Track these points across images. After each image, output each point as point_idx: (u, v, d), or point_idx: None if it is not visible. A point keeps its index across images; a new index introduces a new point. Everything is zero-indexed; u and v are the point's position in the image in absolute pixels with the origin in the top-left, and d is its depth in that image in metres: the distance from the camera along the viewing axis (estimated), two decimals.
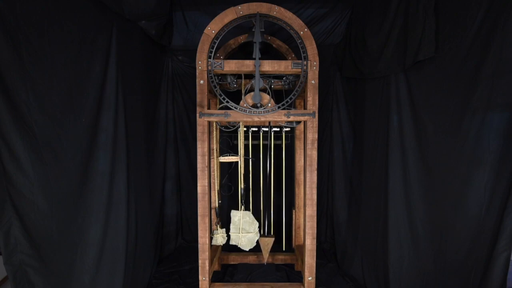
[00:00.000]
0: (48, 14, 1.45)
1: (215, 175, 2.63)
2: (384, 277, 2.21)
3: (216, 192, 2.62)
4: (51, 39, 1.47)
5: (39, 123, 1.41)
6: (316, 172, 2.12)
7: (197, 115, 2.06)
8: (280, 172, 2.66)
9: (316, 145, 2.11)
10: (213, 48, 2.06)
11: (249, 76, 2.32)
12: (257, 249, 2.53)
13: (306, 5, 2.88)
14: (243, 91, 2.25)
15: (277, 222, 2.74)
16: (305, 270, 2.19)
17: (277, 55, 2.61)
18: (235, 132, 2.50)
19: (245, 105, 2.11)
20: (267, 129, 2.51)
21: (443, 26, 1.72)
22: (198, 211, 2.13)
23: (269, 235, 2.54)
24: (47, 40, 1.45)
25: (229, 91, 2.46)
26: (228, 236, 2.48)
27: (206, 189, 2.12)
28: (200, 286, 2.19)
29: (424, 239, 1.93)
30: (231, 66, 2.08)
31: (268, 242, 2.51)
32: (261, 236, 2.51)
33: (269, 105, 2.12)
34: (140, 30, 2.40)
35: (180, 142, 3.33)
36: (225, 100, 2.07)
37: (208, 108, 2.09)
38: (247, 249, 2.46)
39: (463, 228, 1.68)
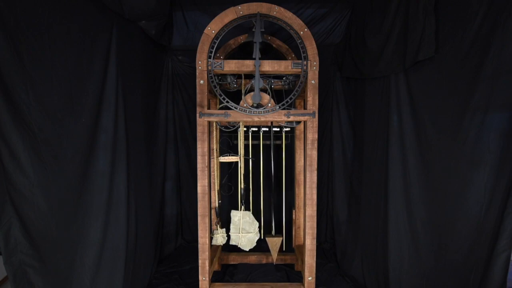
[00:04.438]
0: (48, 14, 1.45)
1: (215, 175, 2.63)
2: (384, 277, 2.21)
3: (216, 192, 2.62)
4: (51, 39, 1.47)
5: (39, 123, 1.42)
6: (316, 172, 2.12)
7: (197, 115, 2.06)
8: (280, 172, 2.66)
9: (316, 145, 2.11)
10: (213, 48, 2.06)
11: (249, 76, 2.32)
12: (257, 249, 2.53)
13: (306, 5, 2.88)
14: (243, 91, 2.24)
15: (277, 222, 2.73)
16: (305, 270, 2.19)
17: (277, 55, 2.61)
18: (235, 132, 2.50)
19: (245, 105, 2.11)
20: (267, 129, 2.51)
21: (443, 26, 1.72)
22: (198, 211, 2.13)
23: (277, 234, 2.54)
24: (47, 40, 1.45)
25: (229, 91, 2.46)
26: (228, 236, 2.48)
27: (206, 189, 2.12)
28: (200, 286, 2.19)
29: (424, 239, 1.93)
30: (231, 66, 2.08)
31: (276, 242, 2.51)
32: (268, 236, 2.51)
33: (269, 105, 2.12)
34: (140, 30, 2.40)
35: (180, 142, 3.33)
36: (225, 100, 2.07)
37: (208, 108, 2.09)
38: (247, 249, 2.47)
39: (463, 228, 1.68)
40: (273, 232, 2.60)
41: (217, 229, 2.51)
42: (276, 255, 2.54)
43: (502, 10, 1.42)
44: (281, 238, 2.52)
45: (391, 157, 2.11)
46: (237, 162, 2.46)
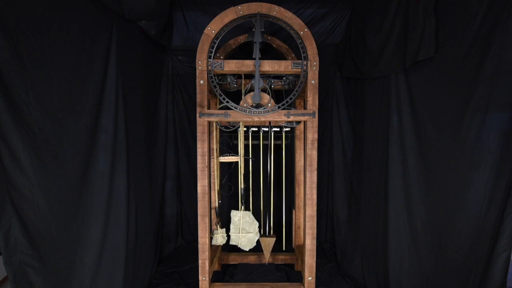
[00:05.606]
0: (48, 14, 1.45)
1: (215, 175, 2.63)
2: (384, 277, 2.21)
3: (216, 192, 2.62)
4: (51, 39, 1.47)
5: (39, 123, 1.42)
6: (316, 172, 2.12)
7: (197, 115, 2.06)
8: (280, 172, 2.66)
9: (316, 145, 2.11)
10: (213, 48, 2.06)
11: (249, 76, 2.32)
12: (257, 249, 2.53)
13: (306, 5, 2.88)
14: (243, 91, 2.24)
15: (277, 222, 2.74)
16: (305, 270, 2.19)
17: (277, 55, 2.61)
18: (235, 132, 2.50)
19: (245, 105, 2.11)
20: (267, 129, 2.52)
21: (443, 26, 1.72)
22: (198, 211, 2.13)
23: (270, 235, 2.54)
24: (47, 40, 1.45)
25: (229, 91, 2.46)
26: (228, 236, 2.48)
27: (206, 189, 2.12)
28: (200, 286, 2.19)
29: (424, 239, 1.93)
30: (231, 66, 2.08)
31: (269, 242, 2.51)
32: (262, 236, 2.51)
33: (269, 105, 2.12)
34: (140, 30, 2.40)
35: (180, 142, 3.33)
36: (225, 100, 2.07)
37: (208, 108, 2.09)
38: (247, 249, 2.46)
39: (463, 228, 1.68)
40: (267, 232, 2.60)
41: (217, 229, 2.51)
42: (268, 254, 2.54)
43: (502, 10, 1.42)
44: (274, 238, 2.52)
45: (391, 157, 2.11)
46: (237, 162, 2.46)
